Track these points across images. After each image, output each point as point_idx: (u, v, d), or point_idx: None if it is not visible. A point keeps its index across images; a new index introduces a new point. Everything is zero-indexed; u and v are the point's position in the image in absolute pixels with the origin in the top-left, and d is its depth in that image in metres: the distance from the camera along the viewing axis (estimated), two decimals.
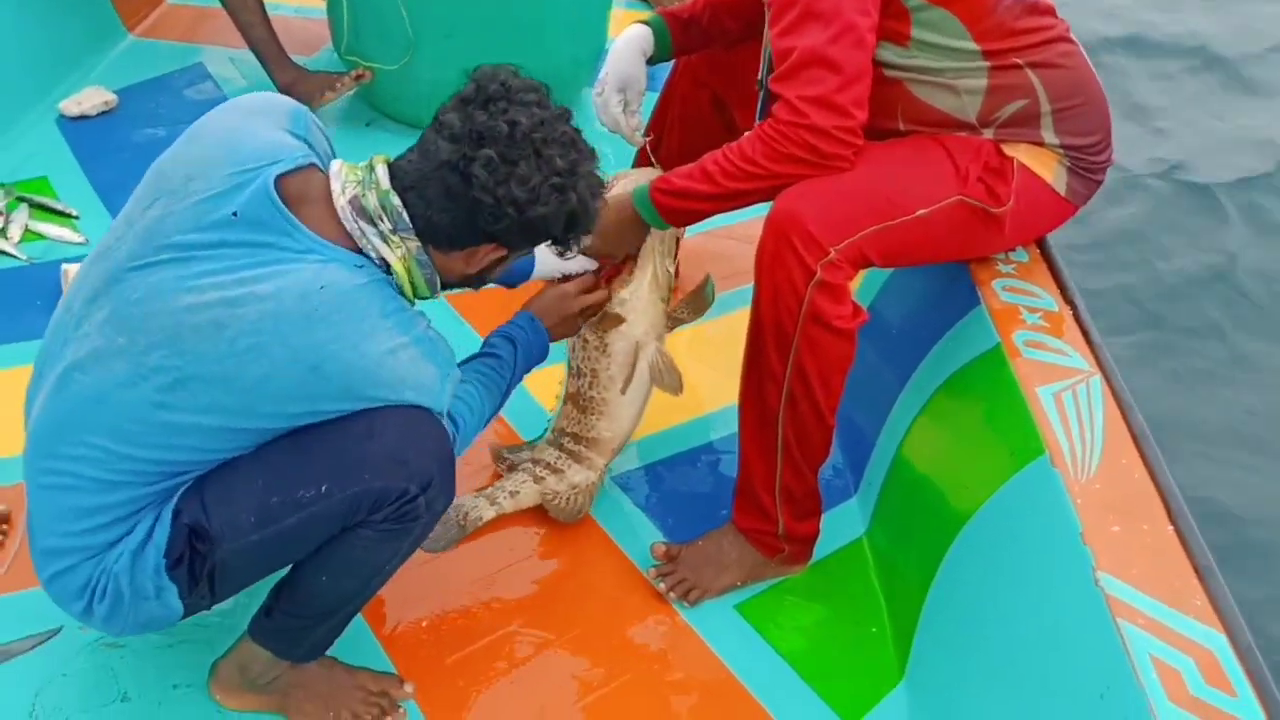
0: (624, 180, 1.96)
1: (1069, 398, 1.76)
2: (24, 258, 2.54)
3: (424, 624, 1.90)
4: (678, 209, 1.86)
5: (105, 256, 1.48)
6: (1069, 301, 1.95)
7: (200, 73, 3.32)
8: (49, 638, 1.81)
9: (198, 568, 1.51)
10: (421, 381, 1.48)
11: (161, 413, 1.42)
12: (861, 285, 2.40)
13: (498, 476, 2.13)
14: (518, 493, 2.05)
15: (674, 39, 2.17)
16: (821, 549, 2.05)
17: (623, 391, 2.02)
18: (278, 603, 1.64)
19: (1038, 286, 1.98)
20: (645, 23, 2.18)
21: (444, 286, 1.59)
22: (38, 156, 2.88)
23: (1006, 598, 1.69)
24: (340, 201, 1.46)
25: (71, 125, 3.02)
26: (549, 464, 2.08)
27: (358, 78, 2.98)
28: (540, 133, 1.44)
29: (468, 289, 1.66)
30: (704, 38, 2.18)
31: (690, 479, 2.23)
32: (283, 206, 1.42)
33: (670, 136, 2.36)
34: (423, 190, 1.46)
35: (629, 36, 2.15)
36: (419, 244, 1.49)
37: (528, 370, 1.86)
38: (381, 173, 1.48)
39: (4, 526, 1.94)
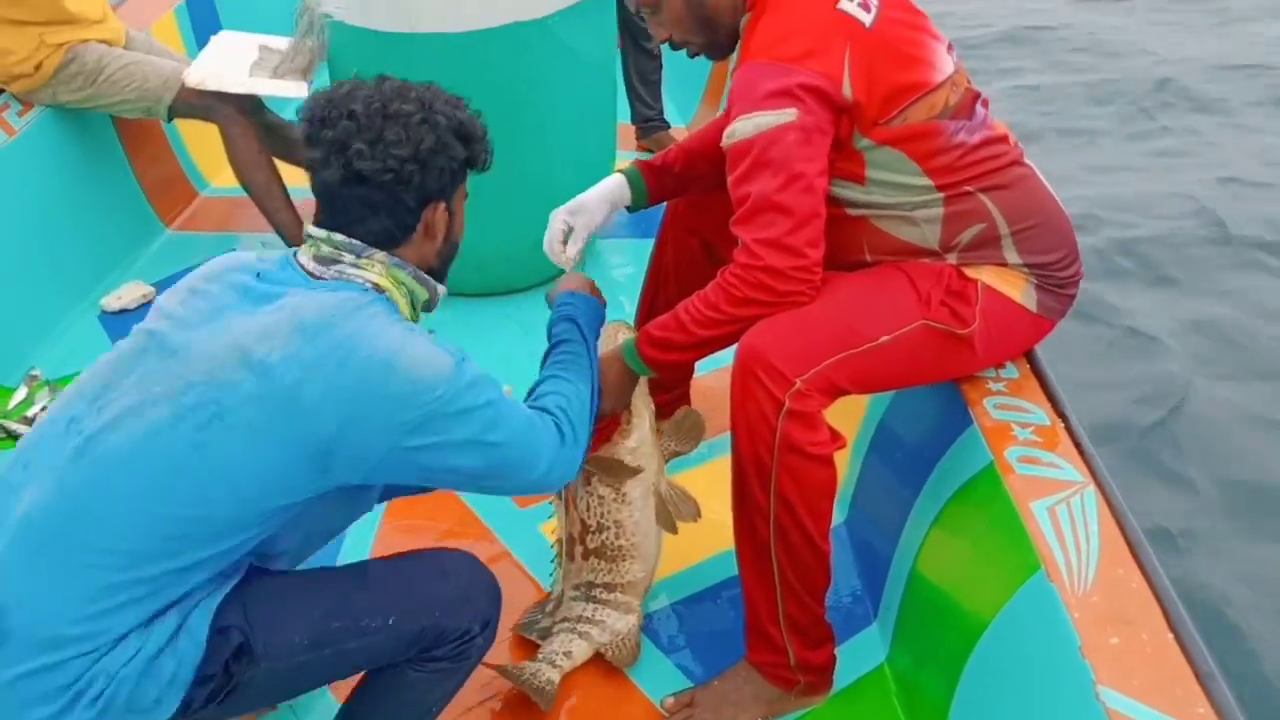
0: (604, 338, 2.05)
1: (1063, 511, 1.78)
2: None
3: None
4: (661, 360, 1.94)
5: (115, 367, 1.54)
6: (1060, 415, 1.97)
7: None
8: None
9: (218, 685, 1.49)
10: (441, 360, 1.53)
11: (198, 454, 1.42)
12: (870, 404, 2.44)
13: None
14: (570, 653, 2.09)
15: (649, 185, 2.27)
16: (843, 678, 2.05)
17: (648, 534, 2.08)
18: None
19: (1028, 402, 2.01)
20: (622, 171, 2.28)
21: (436, 276, 1.68)
22: (80, 351, 3.04)
23: (1018, 718, 1.68)
24: (310, 266, 1.58)
25: (113, 319, 3.20)
26: (587, 618, 2.12)
27: None
28: (377, 101, 1.55)
29: (452, 262, 1.73)
30: (679, 183, 2.29)
31: (710, 616, 2.25)
32: (299, 267, 1.59)
33: (667, 285, 2.45)
34: (347, 215, 1.57)
35: (602, 183, 2.25)
36: (385, 253, 1.59)
37: (597, 335, 1.95)
38: (312, 229, 1.61)
39: None
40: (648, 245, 2.52)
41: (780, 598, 1.92)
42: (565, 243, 2.16)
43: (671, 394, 2.52)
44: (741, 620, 2.17)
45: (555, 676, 2.04)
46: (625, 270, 3.36)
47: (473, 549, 1.74)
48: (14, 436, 2.68)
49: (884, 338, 1.84)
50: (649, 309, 2.44)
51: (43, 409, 2.74)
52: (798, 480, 1.83)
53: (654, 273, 2.49)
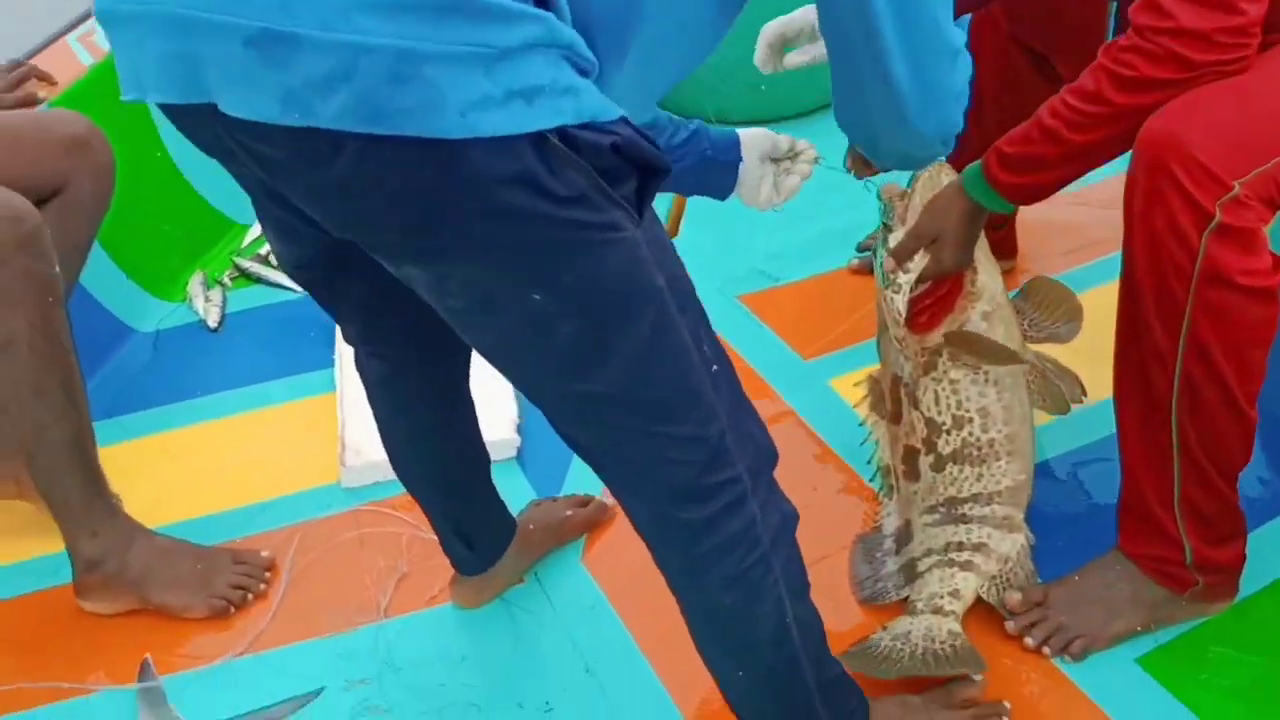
0: (927, 180, 1.57)
1: None
2: (300, 290, 2.41)
3: None
4: (1020, 186, 1.44)
5: None
6: None
7: None
8: (310, 700, 1.59)
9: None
10: None
11: None
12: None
13: None
14: (957, 591, 1.57)
15: None
16: (1248, 583, 1.53)
17: (1024, 421, 1.60)
18: None
19: None
20: None
21: None
22: None
23: None
24: None
25: None
26: (962, 544, 1.61)
27: None
28: None
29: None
30: None
31: (1056, 497, 1.75)
32: None
33: (984, 109, 1.88)
34: None
35: None
36: None
37: None
38: None
39: (267, 574, 1.76)
40: None
41: (1178, 475, 1.42)
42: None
43: (997, 233, 2.01)
44: (1111, 500, 1.69)
45: (956, 626, 1.52)
46: None
47: None
48: (249, 276, 2.46)
49: None
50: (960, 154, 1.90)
51: None
52: (1222, 320, 1.31)
53: None
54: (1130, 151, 1.38)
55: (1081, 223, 2.28)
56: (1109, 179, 2.48)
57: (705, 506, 1.12)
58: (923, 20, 1.09)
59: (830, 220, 2.35)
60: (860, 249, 2.30)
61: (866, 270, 2.26)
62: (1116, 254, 1.42)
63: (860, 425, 1.76)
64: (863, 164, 1.60)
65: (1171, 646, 1.51)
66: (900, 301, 1.58)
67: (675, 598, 1.23)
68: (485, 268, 1.00)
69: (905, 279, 1.58)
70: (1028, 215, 2.12)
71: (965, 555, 1.60)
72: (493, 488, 1.61)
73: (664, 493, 1.12)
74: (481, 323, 1.06)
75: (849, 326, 2.14)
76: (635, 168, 0.98)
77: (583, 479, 1.87)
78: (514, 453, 1.93)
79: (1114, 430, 1.84)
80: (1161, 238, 1.30)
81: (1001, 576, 1.58)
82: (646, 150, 0.98)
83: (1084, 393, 1.60)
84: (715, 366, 1.11)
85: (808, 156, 1.62)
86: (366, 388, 1.47)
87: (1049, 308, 1.65)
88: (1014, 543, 1.61)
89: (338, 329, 2.15)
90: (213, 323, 2.33)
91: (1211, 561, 1.47)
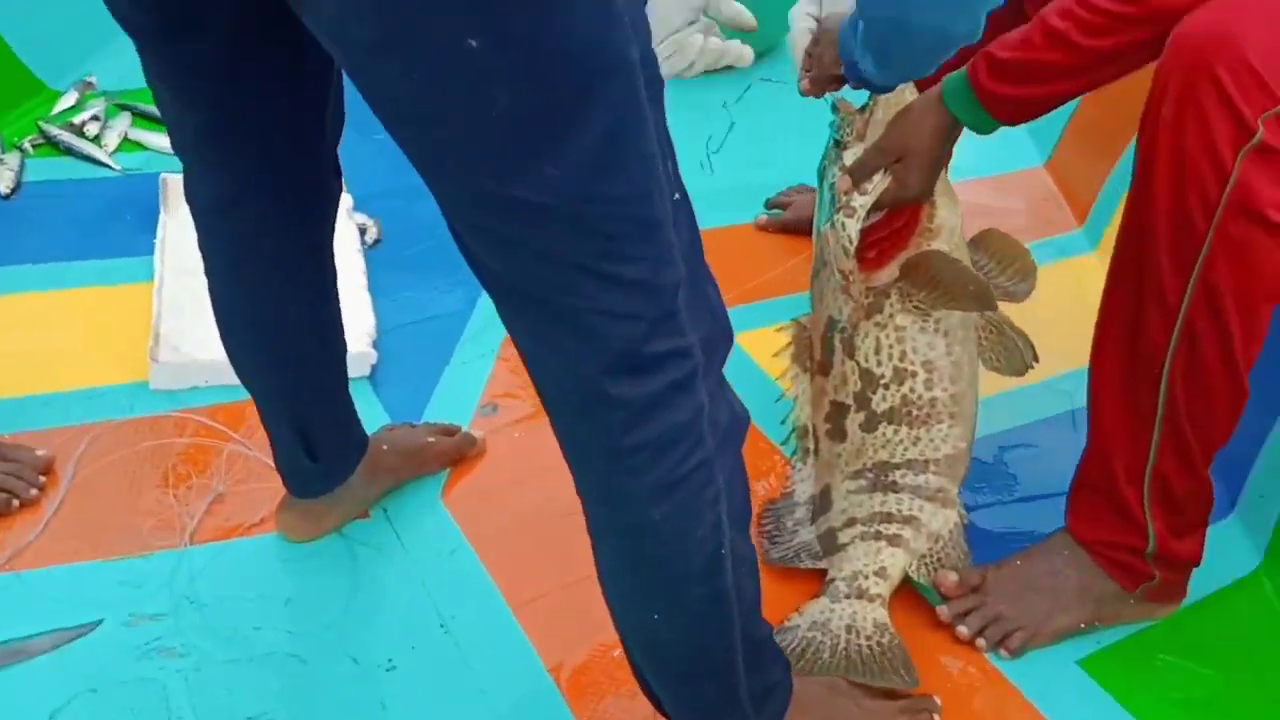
0: (890, 96, 1.34)
1: None
2: (118, 168, 2.06)
3: None
4: (1015, 98, 1.23)
5: None
6: None
7: None
8: (82, 634, 1.25)
9: None
10: None
11: None
12: None
13: None
14: (884, 569, 1.35)
15: None
16: (1196, 586, 1.38)
17: (971, 382, 1.39)
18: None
19: None
20: None
21: None
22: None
23: None
24: None
25: None
26: (891, 515, 1.38)
27: None
28: None
29: None
30: None
31: (1002, 473, 1.57)
32: None
33: None
34: None
35: None
36: None
37: None
38: None
39: (41, 479, 1.40)
40: None
41: (1156, 443, 1.24)
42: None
43: None
44: (1045, 481, 1.52)
45: (883, 615, 1.32)
46: None
47: None
48: (54, 144, 2.09)
49: None
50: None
51: (92, 118, 2.13)
52: (1241, 261, 1.13)
53: None
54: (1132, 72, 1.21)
55: (1003, 208, 2.13)
56: (1024, 171, 2.45)
57: (646, 381, 0.86)
58: None
59: (740, 175, 2.15)
60: (769, 205, 2.10)
61: (774, 229, 2.06)
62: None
63: (776, 382, 1.53)
64: (828, 79, 1.37)
65: (1116, 650, 1.33)
66: (854, 227, 1.36)
67: (584, 510, 0.95)
68: None
69: (861, 201, 1.36)
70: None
71: (894, 528, 1.38)
72: (347, 388, 1.31)
73: (595, 356, 0.85)
74: (390, 70, 0.76)
75: (758, 284, 1.93)
76: None
77: (449, 407, 1.59)
78: (368, 370, 1.63)
79: (1038, 418, 1.69)
80: (1190, 155, 1.11)
81: (932, 556, 1.38)
82: None
83: (1035, 358, 1.41)
84: (677, 195, 0.86)
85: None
86: (200, 230, 1.15)
87: (1002, 261, 1.47)
88: (946, 519, 1.40)
89: (161, 210, 1.83)
90: (4, 188, 1.94)
91: (1172, 553, 1.30)
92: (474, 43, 0.71)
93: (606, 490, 0.91)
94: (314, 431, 1.28)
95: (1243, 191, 1.11)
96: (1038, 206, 2.15)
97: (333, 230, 1.18)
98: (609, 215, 0.79)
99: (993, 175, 2.21)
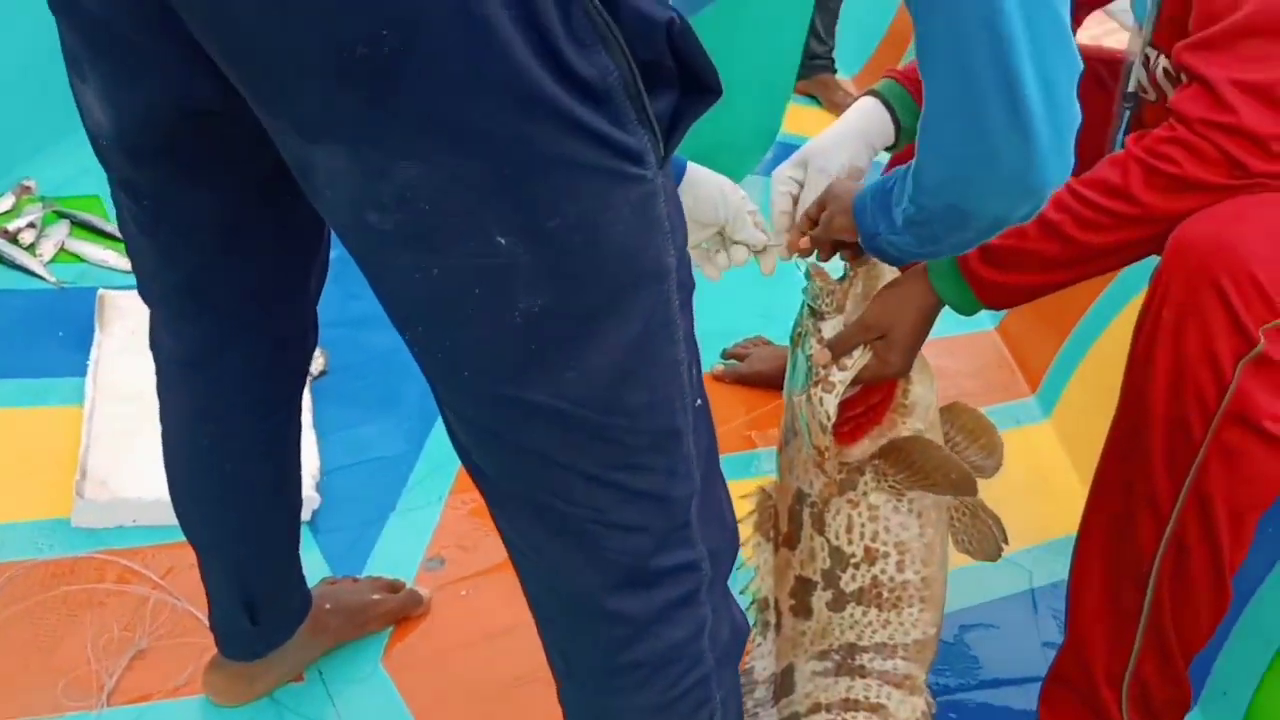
0: (869, 269, 1.31)
1: None
2: (54, 280, 1.97)
3: None
4: (1005, 285, 1.23)
5: None
6: None
7: None
8: None
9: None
10: None
11: None
12: None
13: None
14: None
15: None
16: None
17: (943, 565, 1.33)
18: None
19: None
20: (874, 92, 1.43)
21: None
22: (94, 173, 2.32)
23: None
24: None
25: None
26: (857, 703, 1.33)
27: None
28: None
29: None
30: None
31: (964, 655, 1.52)
32: None
33: None
34: None
35: (845, 116, 1.43)
36: None
37: None
38: None
39: None
40: None
41: (1139, 646, 1.22)
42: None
43: None
44: (1027, 655, 1.49)
45: None
46: None
47: None
48: None
49: None
50: None
51: (29, 225, 2.05)
52: (1234, 470, 1.12)
53: None
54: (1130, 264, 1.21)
55: (955, 370, 2.13)
56: (975, 334, 2.47)
57: (650, 596, 0.81)
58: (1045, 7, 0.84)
59: (699, 321, 2.11)
60: (725, 355, 2.08)
61: (731, 379, 2.04)
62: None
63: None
64: (831, 244, 1.34)
65: None
66: (831, 403, 1.33)
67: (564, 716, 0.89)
68: (443, 170, 0.66)
69: (840, 377, 1.33)
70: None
71: (861, 717, 1.32)
72: (299, 547, 1.23)
73: (598, 570, 0.80)
74: (408, 264, 0.70)
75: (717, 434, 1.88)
76: (679, 75, 0.69)
77: (393, 558, 1.51)
78: (309, 515, 1.54)
79: (997, 595, 1.66)
80: (1190, 362, 1.11)
81: None
82: (699, 53, 0.69)
83: (1005, 540, 1.38)
84: (699, 400, 0.82)
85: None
86: (163, 380, 1.07)
87: (970, 435, 1.45)
88: (913, 708, 1.35)
89: (97, 329, 1.75)
90: None
91: None
92: (502, 240, 0.67)
93: (594, 707, 0.85)
94: (258, 593, 1.19)
95: (1241, 402, 1.10)
96: (990, 371, 2.16)
97: (303, 385, 1.11)
98: (629, 426, 0.75)
99: (943, 336, 2.22)
